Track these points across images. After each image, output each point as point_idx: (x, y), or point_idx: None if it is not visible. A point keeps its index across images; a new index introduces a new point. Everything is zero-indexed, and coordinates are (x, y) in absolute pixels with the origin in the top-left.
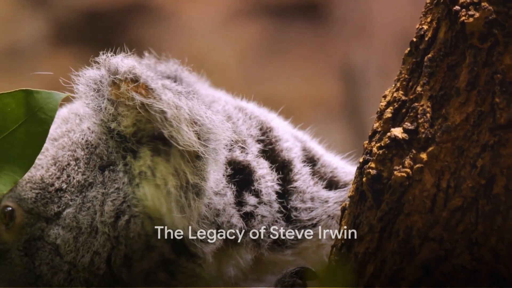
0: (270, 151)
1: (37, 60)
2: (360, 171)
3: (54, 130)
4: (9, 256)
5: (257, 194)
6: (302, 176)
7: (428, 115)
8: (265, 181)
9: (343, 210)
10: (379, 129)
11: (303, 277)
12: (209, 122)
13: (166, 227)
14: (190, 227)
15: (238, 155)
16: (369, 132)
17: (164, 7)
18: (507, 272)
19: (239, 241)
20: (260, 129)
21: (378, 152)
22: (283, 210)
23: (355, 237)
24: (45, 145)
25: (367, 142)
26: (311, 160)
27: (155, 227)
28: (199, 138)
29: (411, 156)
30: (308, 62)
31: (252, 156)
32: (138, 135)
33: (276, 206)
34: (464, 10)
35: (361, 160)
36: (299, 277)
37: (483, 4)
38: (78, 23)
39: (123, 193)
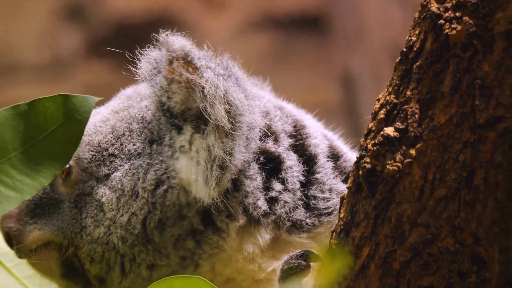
0: (300, 146)
1: (74, 70)
2: (357, 165)
3: (118, 104)
4: (61, 206)
5: (283, 182)
6: (324, 169)
7: (416, 116)
8: (292, 171)
9: (342, 199)
10: (374, 128)
11: (307, 259)
12: (240, 104)
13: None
14: (209, 196)
15: (271, 146)
16: (365, 131)
17: (186, 20)
18: (486, 253)
19: (261, 221)
20: (294, 126)
21: (372, 149)
22: (304, 198)
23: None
24: (107, 115)
25: (363, 139)
26: (335, 156)
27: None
28: (229, 117)
29: (402, 152)
30: (311, 69)
31: (283, 148)
32: (185, 113)
33: (298, 194)
34: (448, 23)
35: (357, 155)
36: (304, 259)
37: (464, 18)
38: (110, 36)
39: (165, 165)
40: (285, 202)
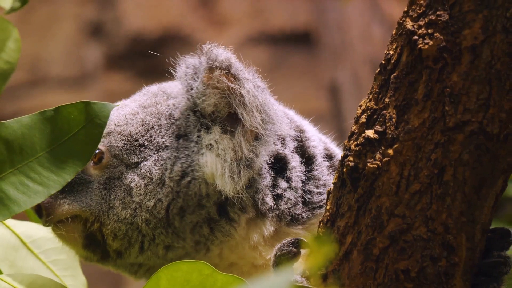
0: (301, 147)
1: (95, 80)
2: (341, 163)
3: (145, 100)
4: (90, 186)
5: (288, 180)
6: (321, 167)
7: (393, 120)
8: (296, 171)
9: (328, 193)
10: (356, 131)
11: (298, 246)
12: (273, 114)
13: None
14: (234, 190)
15: (279, 148)
16: (349, 133)
17: (193, 36)
18: (454, 241)
19: (267, 215)
20: (297, 130)
21: (355, 149)
22: (303, 195)
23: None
24: (136, 109)
25: (347, 141)
26: (329, 156)
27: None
28: (263, 124)
29: (381, 151)
30: (302, 80)
31: (289, 150)
32: (214, 115)
33: (300, 192)
34: (421, 39)
35: (342, 155)
36: (295, 246)
37: (435, 34)
38: (126, 50)
39: (191, 159)
40: (288, 199)
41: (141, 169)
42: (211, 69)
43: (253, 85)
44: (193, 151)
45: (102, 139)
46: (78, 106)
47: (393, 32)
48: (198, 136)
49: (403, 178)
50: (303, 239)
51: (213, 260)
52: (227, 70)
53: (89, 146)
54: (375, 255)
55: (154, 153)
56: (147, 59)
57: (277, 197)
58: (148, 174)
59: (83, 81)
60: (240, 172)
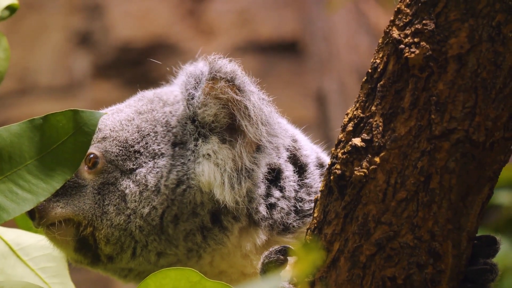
0: (294, 156)
1: (84, 89)
2: (329, 171)
3: (140, 106)
4: (84, 190)
5: (281, 189)
6: (313, 176)
7: (380, 128)
8: (289, 181)
9: (315, 201)
10: (343, 139)
11: (285, 254)
12: (278, 128)
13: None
14: (234, 200)
15: (273, 157)
16: (336, 141)
17: (181, 46)
18: (441, 248)
19: (259, 224)
20: (290, 140)
21: (342, 157)
22: (295, 204)
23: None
24: (132, 115)
25: (334, 149)
26: (321, 165)
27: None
28: (267, 136)
29: (368, 159)
30: (289, 89)
31: (283, 160)
32: (212, 124)
33: (292, 201)
34: (407, 48)
35: (329, 162)
36: (282, 254)
37: (421, 43)
38: (114, 59)
39: (186, 167)
40: (282, 208)
41: (136, 176)
42: (214, 79)
43: (258, 98)
44: (189, 159)
45: (97, 144)
46: (67, 114)
47: (380, 41)
48: (195, 145)
49: (389, 185)
50: (290, 246)
51: (204, 267)
52: (232, 82)
53: (77, 154)
54: (362, 262)
55: (149, 160)
56: (135, 68)
57: (271, 206)
58: (143, 181)
59: (72, 90)
60: (240, 182)
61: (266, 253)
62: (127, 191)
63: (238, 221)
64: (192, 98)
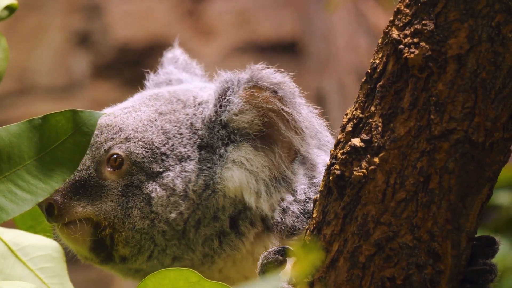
0: (303, 157)
1: (83, 89)
2: (328, 171)
3: (160, 106)
4: (105, 191)
5: (293, 193)
6: (321, 175)
7: (379, 128)
8: (300, 184)
9: (314, 201)
10: (342, 139)
11: (284, 254)
12: (326, 141)
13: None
14: (270, 208)
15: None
16: (335, 142)
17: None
18: (440, 248)
19: (272, 229)
20: None
21: (341, 157)
22: (304, 205)
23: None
24: (153, 115)
25: (333, 149)
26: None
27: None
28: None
29: (367, 160)
30: None
31: (297, 164)
32: (245, 131)
33: (302, 204)
34: (407, 48)
35: (328, 163)
36: (281, 254)
37: (421, 44)
38: (114, 60)
39: (213, 172)
40: (293, 212)
41: (163, 180)
42: (257, 88)
43: (308, 110)
44: (215, 164)
45: (120, 145)
46: (66, 115)
47: (379, 41)
48: (225, 150)
49: (389, 186)
50: (289, 247)
51: (213, 273)
52: (279, 93)
53: (76, 154)
54: (361, 263)
55: (177, 163)
56: (134, 68)
57: (283, 211)
58: (171, 185)
59: (71, 90)
60: (277, 190)
61: (265, 253)
62: (153, 194)
63: (254, 227)
64: (228, 104)
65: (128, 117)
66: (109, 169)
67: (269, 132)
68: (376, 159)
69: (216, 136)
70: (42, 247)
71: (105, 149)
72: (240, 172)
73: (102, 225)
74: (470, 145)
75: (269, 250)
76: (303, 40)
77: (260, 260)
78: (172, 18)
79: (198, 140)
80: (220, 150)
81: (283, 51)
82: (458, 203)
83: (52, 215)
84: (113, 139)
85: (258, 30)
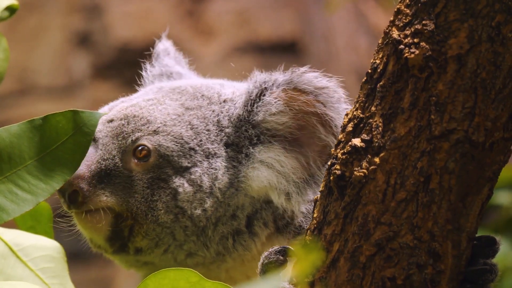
0: None
1: (83, 89)
2: (328, 171)
3: (185, 101)
4: (129, 182)
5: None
6: None
7: (380, 128)
8: None
9: (315, 201)
10: (343, 140)
11: (285, 254)
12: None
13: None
14: (300, 208)
15: None
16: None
17: (180, 47)
18: (440, 248)
19: (282, 230)
20: None
21: (342, 157)
22: (312, 204)
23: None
24: (180, 110)
25: (333, 149)
26: None
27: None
28: None
29: (367, 160)
30: None
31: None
32: (276, 132)
33: (312, 203)
34: (407, 48)
35: (329, 163)
36: (282, 254)
37: (421, 44)
38: (114, 60)
39: (238, 171)
40: (302, 212)
41: (191, 175)
42: (298, 90)
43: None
44: (240, 162)
45: (148, 137)
46: (66, 115)
47: (379, 42)
48: (252, 150)
49: (389, 186)
50: (290, 247)
51: (221, 273)
52: (324, 97)
53: (77, 155)
54: (361, 263)
55: (204, 160)
56: (134, 68)
57: (292, 212)
58: (198, 181)
59: (71, 90)
60: (305, 192)
61: (265, 253)
62: (180, 190)
63: (267, 227)
64: (265, 105)
65: (154, 110)
66: (135, 160)
67: (300, 135)
68: (377, 159)
69: (244, 135)
70: (43, 248)
71: (132, 140)
72: (268, 173)
73: (124, 216)
74: (470, 145)
75: (270, 250)
76: (303, 40)
77: (261, 260)
78: (172, 18)
79: (225, 138)
80: (247, 149)
81: (283, 51)
82: (458, 203)
83: (75, 202)
84: (141, 130)
85: (258, 30)
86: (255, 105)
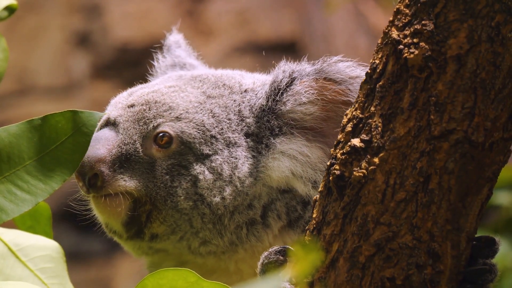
0: None
1: (83, 89)
2: (328, 171)
3: (207, 89)
4: (149, 167)
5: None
6: None
7: (379, 128)
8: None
9: (314, 201)
10: (342, 140)
11: (285, 254)
12: None
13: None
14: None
15: None
16: (335, 142)
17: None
18: (440, 248)
19: (293, 224)
20: None
21: (341, 157)
22: None
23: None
24: (201, 97)
25: (333, 149)
26: None
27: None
28: None
29: (367, 160)
30: None
31: None
32: (301, 123)
33: None
34: (406, 48)
35: (328, 163)
36: (282, 254)
37: (421, 44)
38: (113, 60)
39: (257, 160)
40: (311, 206)
41: (212, 163)
42: (331, 80)
43: None
44: (260, 153)
45: (170, 123)
46: (66, 115)
47: (379, 42)
48: (274, 141)
49: (388, 186)
50: (290, 247)
51: (230, 265)
52: (356, 87)
53: (76, 155)
54: (361, 263)
55: (225, 148)
56: (134, 68)
57: (304, 205)
58: (219, 169)
59: (70, 90)
60: None
61: (265, 253)
62: (200, 177)
63: (280, 220)
64: (294, 94)
65: (176, 96)
66: (156, 146)
67: (324, 127)
68: (376, 159)
69: (265, 125)
70: (42, 248)
71: (153, 126)
72: (291, 163)
73: (143, 201)
74: (469, 145)
75: (270, 250)
76: (303, 40)
77: (261, 260)
78: (172, 18)
79: (245, 127)
80: (268, 140)
81: (283, 51)
82: (458, 203)
83: (94, 185)
84: (163, 116)
85: (258, 30)
86: (284, 95)
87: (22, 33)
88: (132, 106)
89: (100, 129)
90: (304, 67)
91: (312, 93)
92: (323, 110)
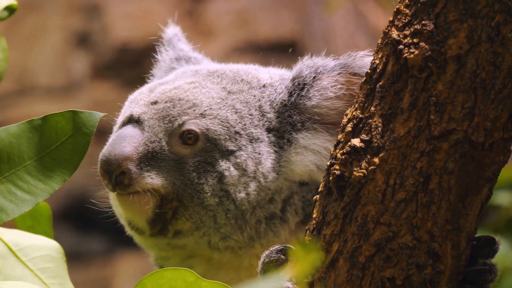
0: None
1: (82, 89)
2: (328, 171)
3: (226, 84)
4: (175, 165)
5: None
6: None
7: (379, 128)
8: None
9: (314, 201)
10: (342, 140)
11: (285, 253)
12: None
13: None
14: None
15: None
16: (335, 142)
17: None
18: (440, 248)
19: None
20: None
21: (341, 157)
22: None
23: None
24: (222, 93)
25: (333, 149)
26: None
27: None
28: None
29: (367, 160)
30: None
31: None
32: (325, 118)
33: None
34: (406, 48)
35: (328, 163)
36: (283, 253)
37: (421, 44)
38: (113, 60)
39: (279, 156)
40: None
41: (236, 159)
42: (358, 75)
43: None
44: (281, 147)
45: (195, 120)
46: (66, 115)
47: (379, 42)
48: (297, 136)
49: (388, 186)
50: (291, 246)
51: (245, 260)
52: None
53: (76, 155)
54: (361, 263)
55: (248, 144)
56: (134, 68)
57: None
58: (243, 165)
59: (70, 91)
60: None
61: (266, 252)
62: (226, 173)
63: (297, 215)
64: (320, 89)
65: (198, 93)
66: (182, 144)
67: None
68: (376, 160)
69: (286, 120)
70: (42, 248)
71: (179, 124)
72: (315, 157)
73: (169, 198)
74: (469, 145)
75: (271, 249)
76: (302, 40)
77: (262, 259)
78: (172, 18)
79: (267, 123)
80: (289, 135)
81: (283, 51)
82: (458, 203)
83: (121, 183)
84: (188, 113)
85: (258, 30)
86: (310, 90)
87: (22, 33)
88: (155, 103)
89: (123, 126)
90: (328, 62)
91: (339, 88)
92: (349, 105)
